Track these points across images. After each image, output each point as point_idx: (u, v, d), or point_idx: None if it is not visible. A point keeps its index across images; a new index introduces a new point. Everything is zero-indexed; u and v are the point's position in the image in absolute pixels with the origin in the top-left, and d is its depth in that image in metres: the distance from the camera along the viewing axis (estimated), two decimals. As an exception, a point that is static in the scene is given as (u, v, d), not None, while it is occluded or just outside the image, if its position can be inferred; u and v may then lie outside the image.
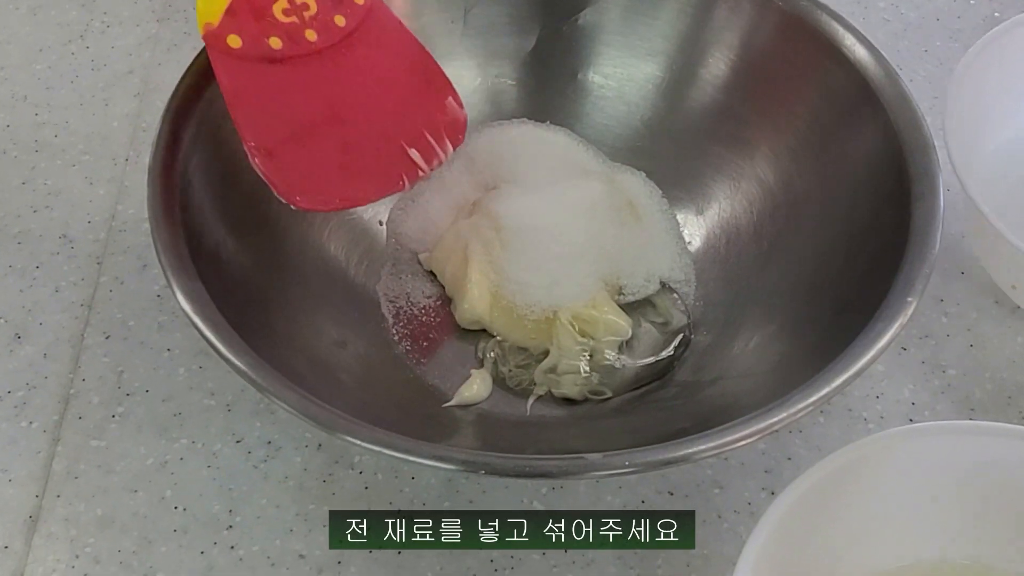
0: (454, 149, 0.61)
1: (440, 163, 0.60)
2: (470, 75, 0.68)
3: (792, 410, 0.45)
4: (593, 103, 0.70)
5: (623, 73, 0.69)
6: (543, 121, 0.69)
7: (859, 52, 0.58)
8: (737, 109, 0.65)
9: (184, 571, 0.54)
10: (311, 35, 0.57)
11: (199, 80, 0.57)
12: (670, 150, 0.67)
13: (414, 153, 0.59)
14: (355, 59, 0.58)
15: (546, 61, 0.69)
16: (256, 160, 0.55)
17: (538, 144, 0.68)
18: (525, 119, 0.69)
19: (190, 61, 0.58)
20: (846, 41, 0.59)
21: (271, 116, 0.56)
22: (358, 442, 0.44)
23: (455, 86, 0.63)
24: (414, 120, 0.60)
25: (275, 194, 0.55)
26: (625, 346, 0.60)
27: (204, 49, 0.58)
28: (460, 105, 0.62)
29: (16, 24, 0.80)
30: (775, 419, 0.45)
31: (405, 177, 0.59)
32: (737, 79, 0.65)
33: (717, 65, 0.66)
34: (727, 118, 0.66)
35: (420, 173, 0.60)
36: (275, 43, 0.56)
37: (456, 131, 0.61)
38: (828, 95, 0.60)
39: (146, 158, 0.54)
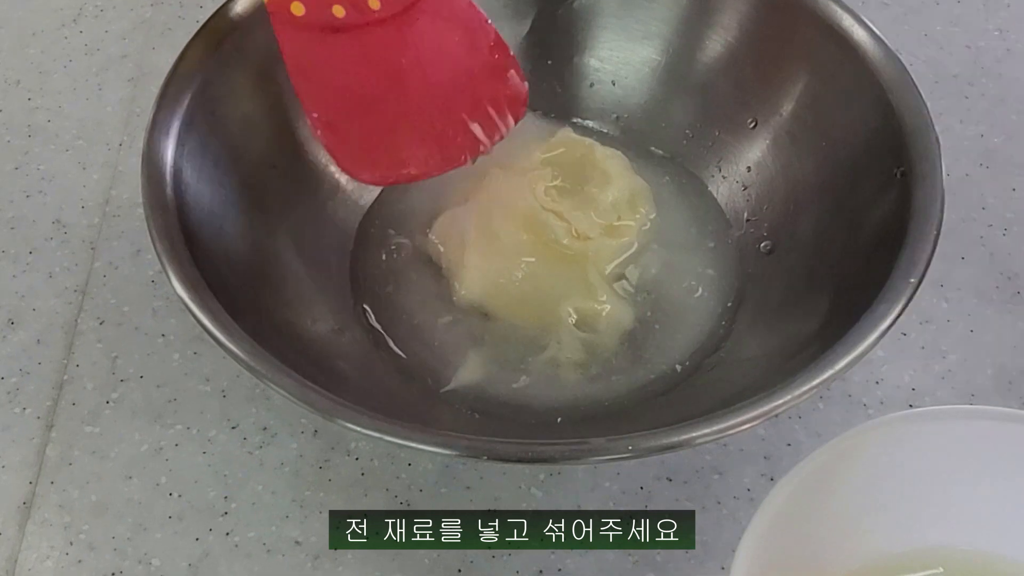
0: (515, 123, 0.60)
1: (501, 138, 0.59)
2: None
3: (794, 394, 0.44)
4: (588, 87, 0.69)
5: (619, 57, 0.68)
6: (538, 106, 0.69)
7: (858, 34, 0.58)
8: (735, 92, 0.65)
9: (179, 558, 0.54)
10: (375, 3, 0.56)
11: (193, 65, 0.56)
12: (667, 135, 0.67)
13: (475, 127, 0.58)
14: (418, 29, 0.57)
15: (541, 45, 0.69)
16: (318, 132, 0.54)
17: (531, 132, 0.67)
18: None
19: (184, 45, 0.57)
20: (844, 23, 0.59)
21: (332, 87, 0.55)
22: (359, 428, 0.44)
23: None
24: (476, 93, 0.59)
25: (335, 163, 0.56)
26: (628, 335, 0.60)
27: (198, 33, 0.57)
28: (522, 78, 0.61)
29: (8, 8, 0.79)
30: (777, 403, 0.44)
31: (467, 152, 0.58)
32: (735, 62, 0.65)
33: (714, 48, 0.65)
34: (724, 101, 0.65)
35: (481, 148, 0.59)
36: (338, 11, 0.55)
37: (518, 105, 0.60)
38: (827, 77, 0.60)
39: (140, 143, 0.53)
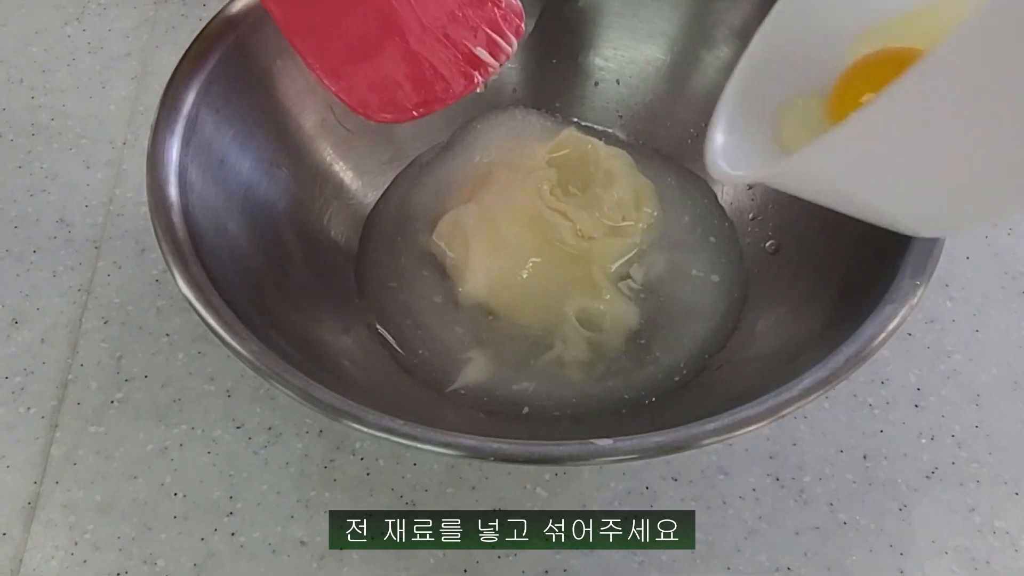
0: (518, 40, 0.60)
1: (508, 57, 0.59)
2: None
3: (802, 394, 0.44)
4: (593, 86, 0.69)
5: (624, 56, 0.68)
6: (543, 105, 0.69)
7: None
8: (740, 92, 0.65)
9: (184, 558, 0.54)
10: None
11: (197, 63, 0.56)
12: (671, 134, 0.67)
13: (480, 51, 0.58)
14: None
15: (546, 44, 0.69)
16: (325, 82, 0.54)
17: (535, 131, 0.67)
18: (523, 107, 0.69)
19: (188, 43, 0.57)
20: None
21: (328, 38, 0.55)
22: (364, 429, 0.44)
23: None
24: (472, 20, 0.59)
25: (351, 111, 0.55)
26: (633, 335, 0.60)
27: (202, 32, 0.57)
28: None
29: (12, 5, 0.79)
30: (783, 403, 0.44)
31: (478, 75, 0.58)
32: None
33: (720, 47, 0.65)
34: (730, 101, 0.65)
35: (490, 69, 0.59)
36: None
37: (515, 23, 0.60)
38: (833, 77, 0.60)
39: (144, 142, 0.54)
